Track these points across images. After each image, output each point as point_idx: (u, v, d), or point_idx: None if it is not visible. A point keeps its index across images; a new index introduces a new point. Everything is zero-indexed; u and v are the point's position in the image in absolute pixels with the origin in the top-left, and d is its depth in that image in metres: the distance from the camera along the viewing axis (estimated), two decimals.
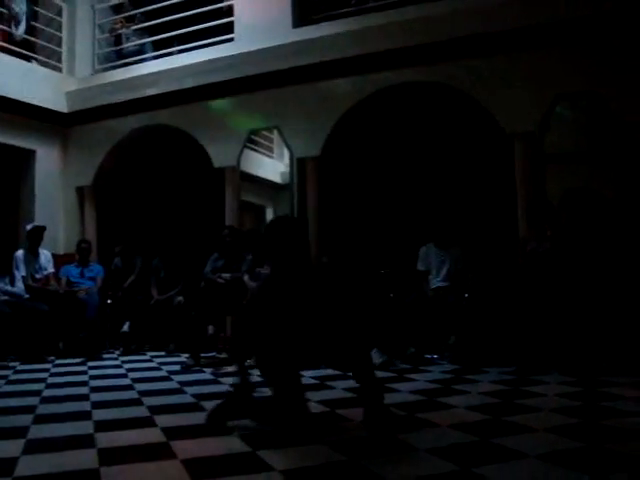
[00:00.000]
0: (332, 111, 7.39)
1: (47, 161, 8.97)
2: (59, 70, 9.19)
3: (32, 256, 7.44)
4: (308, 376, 5.37)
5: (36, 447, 3.11)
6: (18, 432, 3.41)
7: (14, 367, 6.23)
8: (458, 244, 6.60)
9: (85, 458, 2.89)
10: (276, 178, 9.11)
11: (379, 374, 5.35)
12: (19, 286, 7.03)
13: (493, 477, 2.51)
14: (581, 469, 2.60)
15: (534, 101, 6.38)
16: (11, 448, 3.07)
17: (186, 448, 3.05)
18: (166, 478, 2.62)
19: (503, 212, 6.70)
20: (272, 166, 9.22)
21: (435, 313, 6.27)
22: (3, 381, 5.38)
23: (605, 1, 6.06)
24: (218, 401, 3.60)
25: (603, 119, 6.23)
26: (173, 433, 3.35)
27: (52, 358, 6.83)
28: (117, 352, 7.40)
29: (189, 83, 8.06)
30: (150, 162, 9.14)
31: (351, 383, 3.61)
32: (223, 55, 7.84)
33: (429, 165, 7.56)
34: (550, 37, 6.31)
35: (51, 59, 9.17)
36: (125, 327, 7.77)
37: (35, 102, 8.54)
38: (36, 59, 9.04)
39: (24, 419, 3.75)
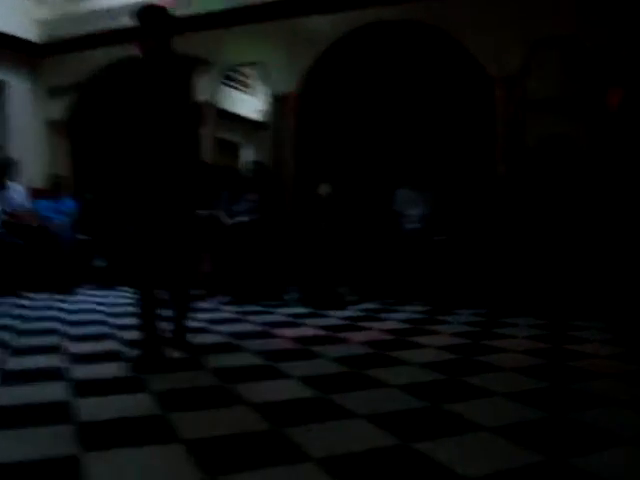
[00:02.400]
0: (311, 48, 7.25)
1: (19, 93, 8.73)
2: None
3: (2, 190, 7.30)
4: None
5: (11, 378, 3.14)
6: None
7: None
8: (432, 187, 6.61)
9: (58, 390, 2.93)
10: (253, 115, 9.01)
11: (351, 313, 5.46)
12: None
13: (462, 413, 2.59)
14: (546, 407, 2.69)
15: (516, 44, 6.30)
16: None
17: (159, 381, 3.09)
18: (138, 409, 2.65)
19: (482, 155, 6.70)
20: (249, 103, 9.10)
21: (409, 255, 6.33)
22: None
23: None
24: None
25: (583, 64, 6.20)
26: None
27: (26, 293, 6.80)
28: (90, 287, 7.38)
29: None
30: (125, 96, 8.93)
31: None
32: None
33: (408, 106, 7.48)
34: None
35: None
36: (98, 262, 7.72)
37: (4, 30, 8.26)
38: None
39: None
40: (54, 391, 2.91)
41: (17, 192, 7.41)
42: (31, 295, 6.64)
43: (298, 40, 7.29)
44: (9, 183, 7.36)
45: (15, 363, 3.48)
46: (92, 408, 2.67)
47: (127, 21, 8.08)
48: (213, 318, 5.17)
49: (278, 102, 7.46)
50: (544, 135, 6.13)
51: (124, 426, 2.46)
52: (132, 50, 7.98)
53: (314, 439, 2.29)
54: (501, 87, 6.43)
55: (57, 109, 8.82)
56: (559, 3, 6.12)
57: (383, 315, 5.41)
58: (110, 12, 8.26)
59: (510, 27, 6.30)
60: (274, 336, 4.40)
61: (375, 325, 4.86)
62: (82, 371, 3.30)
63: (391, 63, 7.46)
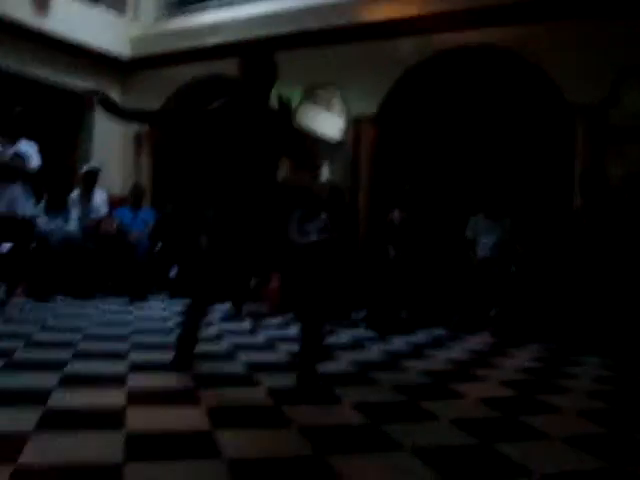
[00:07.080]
0: (391, 71, 7.27)
1: None
2: (124, 15, 9.23)
3: (86, 198, 7.56)
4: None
5: (70, 381, 3.22)
6: (56, 365, 3.53)
7: (63, 302, 6.42)
8: (508, 216, 6.47)
9: (114, 397, 2.98)
10: (330, 133, 9.01)
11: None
12: (73, 226, 7.20)
13: (513, 455, 2.47)
14: (603, 456, 2.53)
15: (601, 73, 6.13)
16: (47, 380, 3.18)
17: (212, 396, 3.11)
18: (186, 424, 2.67)
19: (559, 185, 6.52)
20: (327, 121, 9.10)
21: (479, 283, 6.19)
22: (50, 314, 5.59)
23: None
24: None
25: None
26: (203, 380, 3.41)
27: (101, 296, 7.01)
28: (163, 296, 7.54)
29: (250, 34, 8.00)
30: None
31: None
32: (286, 7, 7.75)
33: (486, 132, 7.37)
34: (620, 5, 6.03)
35: (116, 4, 9.21)
36: (173, 273, 7.89)
37: (99, 47, 8.66)
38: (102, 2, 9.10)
39: (64, 354, 3.88)
40: (111, 397, 2.97)
41: (100, 198, 7.66)
42: (105, 299, 6.85)
43: (379, 62, 7.31)
44: (95, 190, 7.63)
45: (77, 366, 3.59)
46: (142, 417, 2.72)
47: (211, 40, 8.45)
48: (277, 335, 5.19)
49: (356, 125, 7.48)
50: (628, 170, 5.92)
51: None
52: (214, 67, 8.33)
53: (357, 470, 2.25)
54: (582, 116, 6.26)
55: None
56: None
57: (450, 343, 5.30)
58: (195, 31, 8.52)
59: (596, 55, 6.13)
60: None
61: (440, 353, 4.77)
62: (141, 380, 3.37)
63: (469, 88, 7.37)
